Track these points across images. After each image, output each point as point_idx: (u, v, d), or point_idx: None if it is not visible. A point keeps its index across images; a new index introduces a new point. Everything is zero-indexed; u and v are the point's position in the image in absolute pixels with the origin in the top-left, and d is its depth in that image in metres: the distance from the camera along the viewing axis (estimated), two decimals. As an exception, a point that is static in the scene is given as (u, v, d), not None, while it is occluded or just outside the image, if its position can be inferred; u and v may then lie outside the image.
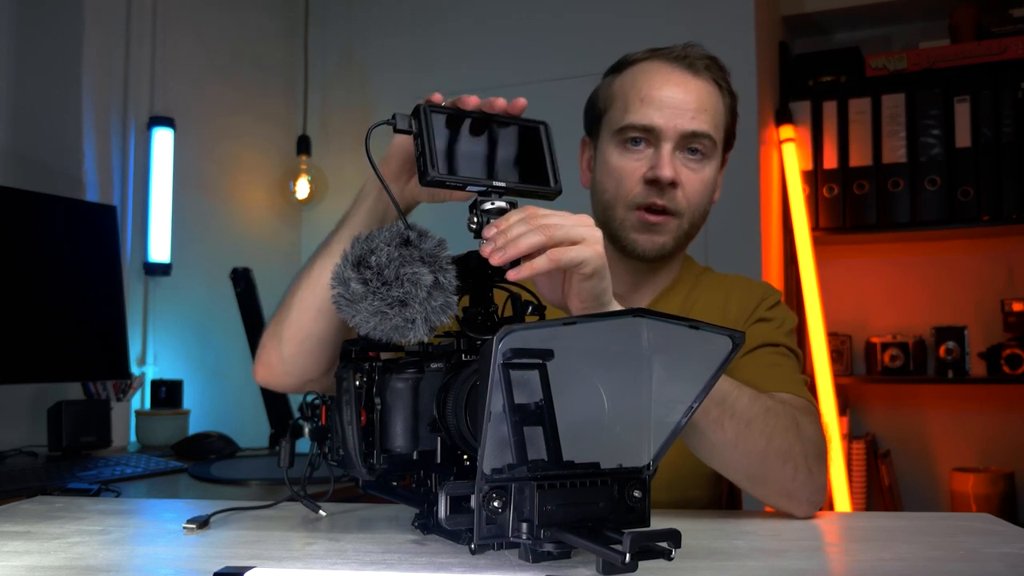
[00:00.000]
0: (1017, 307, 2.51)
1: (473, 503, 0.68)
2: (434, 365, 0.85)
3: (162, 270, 2.29)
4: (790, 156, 2.56)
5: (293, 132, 2.80)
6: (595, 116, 1.27)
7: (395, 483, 0.91)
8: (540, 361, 0.72)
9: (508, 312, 0.89)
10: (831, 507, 2.45)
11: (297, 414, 0.95)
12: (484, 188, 0.87)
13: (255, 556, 0.79)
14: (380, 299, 0.78)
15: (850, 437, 2.59)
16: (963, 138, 2.45)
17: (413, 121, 0.87)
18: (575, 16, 2.60)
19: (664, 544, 0.65)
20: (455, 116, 0.88)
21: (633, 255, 1.21)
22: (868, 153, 2.53)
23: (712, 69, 1.21)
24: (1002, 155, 2.41)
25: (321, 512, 0.98)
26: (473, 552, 0.76)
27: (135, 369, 2.19)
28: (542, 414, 0.72)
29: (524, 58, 2.64)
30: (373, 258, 0.79)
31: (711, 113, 1.20)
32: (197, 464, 1.71)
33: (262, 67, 2.74)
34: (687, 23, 2.49)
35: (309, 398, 0.92)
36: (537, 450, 0.71)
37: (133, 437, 2.07)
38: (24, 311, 1.72)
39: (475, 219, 0.86)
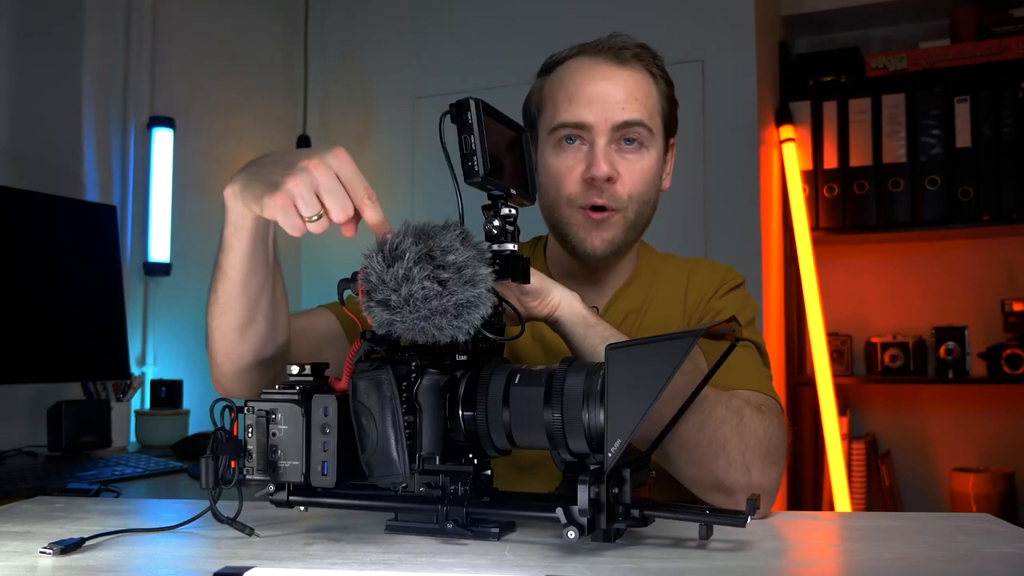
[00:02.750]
0: (1017, 307, 2.50)
1: (591, 493, 0.75)
2: (447, 363, 0.85)
3: (162, 270, 2.29)
4: (790, 156, 2.56)
5: (293, 132, 2.80)
6: (530, 120, 1.26)
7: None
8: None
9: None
10: (831, 507, 2.45)
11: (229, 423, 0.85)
12: (507, 194, 0.89)
13: (255, 556, 0.79)
14: (455, 301, 0.77)
15: (850, 437, 2.59)
16: (963, 138, 2.45)
17: (464, 114, 0.85)
18: (574, 16, 2.60)
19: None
20: (489, 117, 0.88)
21: (584, 255, 1.20)
22: (868, 153, 2.53)
23: (642, 57, 1.20)
24: (1002, 155, 2.41)
25: (257, 534, 0.87)
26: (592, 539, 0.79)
27: (135, 369, 2.19)
28: None
29: (524, 58, 2.61)
30: (451, 256, 0.78)
31: (642, 101, 1.18)
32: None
33: (262, 67, 2.74)
34: (687, 23, 2.49)
35: (220, 406, 0.84)
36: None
37: (133, 437, 2.07)
38: (24, 311, 1.72)
39: (496, 222, 0.88)
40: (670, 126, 1.25)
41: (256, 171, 0.90)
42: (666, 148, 1.25)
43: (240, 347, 1.00)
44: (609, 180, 1.16)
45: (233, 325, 0.99)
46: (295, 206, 0.85)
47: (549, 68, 1.25)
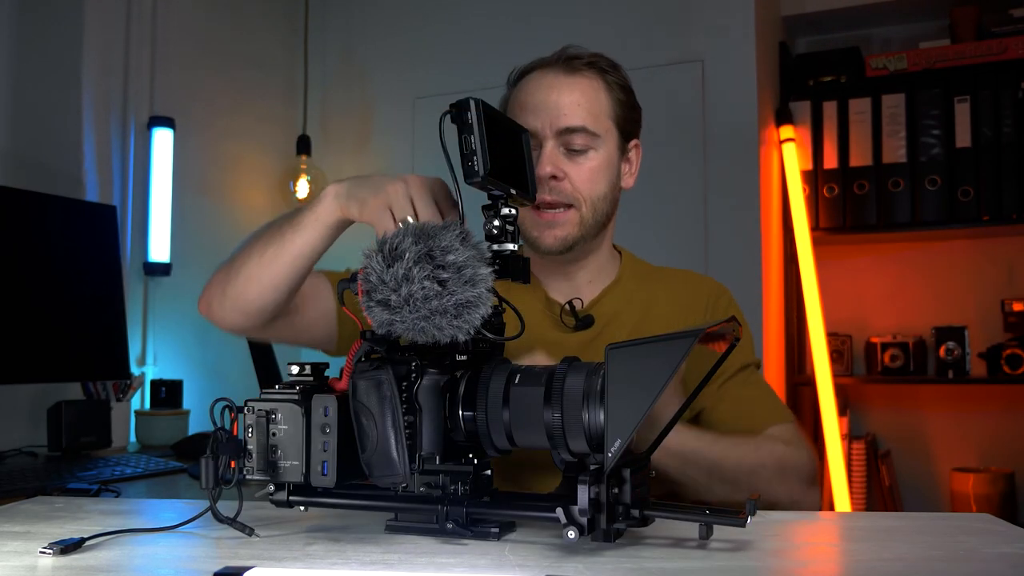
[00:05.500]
0: (1017, 307, 2.50)
1: (591, 493, 0.76)
2: (447, 363, 0.85)
3: (162, 270, 2.29)
4: (790, 156, 2.56)
5: (293, 132, 2.80)
6: None
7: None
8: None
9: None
10: (831, 507, 2.45)
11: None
12: (506, 194, 0.89)
13: (255, 556, 0.79)
14: (455, 302, 0.78)
15: (850, 437, 2.58)
16: (963, 138, 2.45)
17: (464, 114, 0.85)
18: (574, 16, 2.60)
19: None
20: (490, 117, 0.88)
21: (540, 251, 1.27)
22: (868, 153, 2.53)
23: (595, 66, 1.28)
24: (1002, 155, 2.41)
25: (257, 534, 0.87)
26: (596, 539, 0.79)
27: (135, 369, 2.18)
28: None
29: (524, 58, 2.62)
30: (451, 256, 0.78)
31: (587, 107, 1.25)
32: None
33: (262, 67, 2.74)
34: (687, 23, 2.49)
35: (219, 406, 0.85)
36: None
37: (133, 437, 2.07)
38: (24, 311, 1.72)
39: (496, 222, 0.89)
40: (627, 129, 1.31)
41: (363, 182, 1.04)
42: (624, 150, 1.31)
43: (260, 299, 1.11)
44: (555, 179, 1.23)
45: (264, 280, 1.09)
46: (390, 209, 0.97)
47: (512, 81, 1.33)
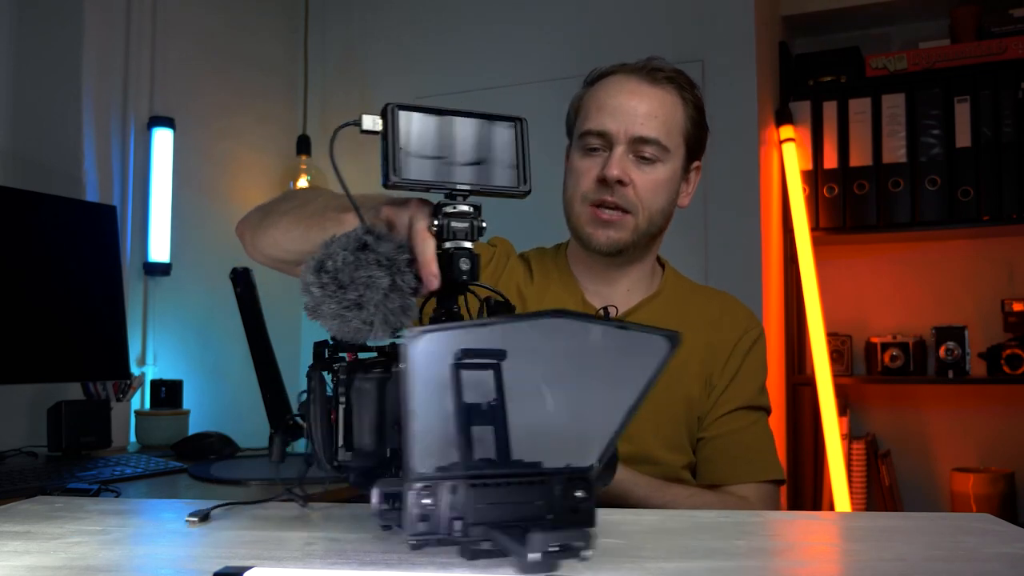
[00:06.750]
0: (1017, 307, 2.50)
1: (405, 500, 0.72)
2: (402, 366, 0.85)
3: (162, 270, 2.29)
4: (790, 156, 2.56)
5: (293, 132, 2.80)
6: (569, 125, 1.36)
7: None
8: (495, 361, 0.72)
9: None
10: (831, 507, 2.45)
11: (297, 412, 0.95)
12: (448, 191, 0.86)
13: (255, 556, 0.79)
14: (337, 303, 0.81)
15: (850, 437, 2.59)
16: (963, 138, 2.45)
17: (380, 121, 0.87)
18: (574, 16, 2.60)
19: (579, 543, 0.67)
20: (426, 115, 0.87)
21: (590, 248, 1.28)
22: (868, 153, 2.53)
23: (675, 81, 1.30)
24: (1002, 155, 2.41)
25: (310, 506, 0.97)
26: (412, 548, 0.77)
27: (135, 369, 2.19)
28: (493, 414, 0.73)
29: (523, 58, 2.63)
30: (330, 263, 0.82)
31: (662, 120, 1.26)
32: (197, 464, 1.71)
33: (262, 67, 2.74)
34: (687, 23, 2.49)
35: (303, 397, 0.91)
36: (486, 449, 0.73)
37: (133, 437, 2.07)
38: (24, 311, 1.72)
39: (435, 222, 0.85)
40: (694, 149, 1.32)
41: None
42: (687, 168, 1.33)
43: (283, 256, 1.14)
44: (620, 183, 1.24)
45: (286, 247, 1.11)
46: None
47: (591, 81, 1.33)
